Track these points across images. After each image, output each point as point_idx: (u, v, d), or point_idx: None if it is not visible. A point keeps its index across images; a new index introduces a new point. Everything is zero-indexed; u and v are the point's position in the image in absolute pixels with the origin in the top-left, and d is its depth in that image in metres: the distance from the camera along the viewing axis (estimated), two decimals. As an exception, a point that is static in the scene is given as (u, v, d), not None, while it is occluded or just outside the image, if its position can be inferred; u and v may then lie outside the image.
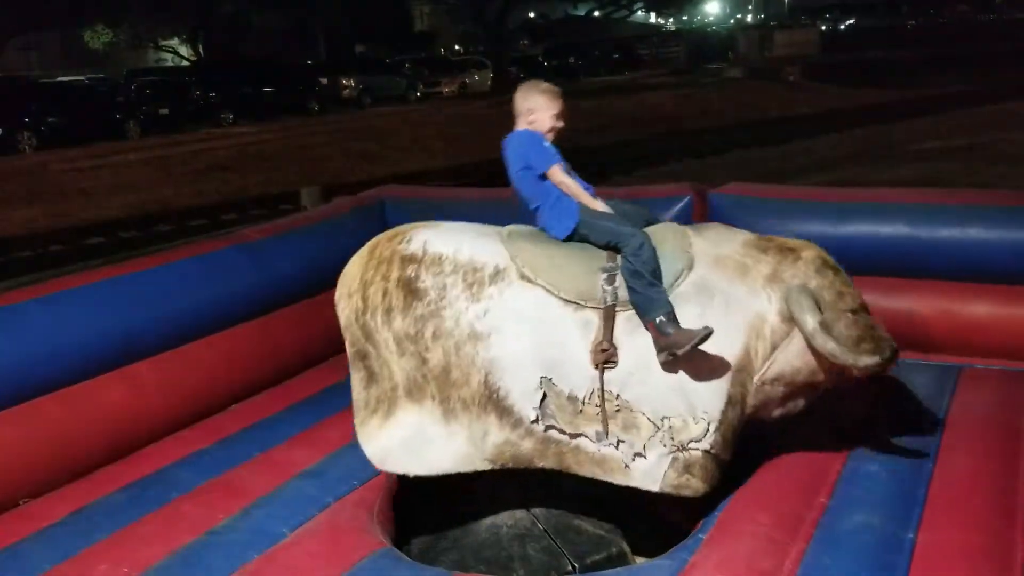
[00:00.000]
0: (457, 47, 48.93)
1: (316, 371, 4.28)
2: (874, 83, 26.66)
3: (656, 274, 2.85)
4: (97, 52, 38.67)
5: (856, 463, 3.05)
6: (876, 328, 2.94)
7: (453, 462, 2.99)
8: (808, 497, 2.89)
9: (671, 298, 2.83)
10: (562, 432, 2.88)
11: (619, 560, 3.00)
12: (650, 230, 3.01)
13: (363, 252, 3.20)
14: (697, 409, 2.82)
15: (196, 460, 3.41)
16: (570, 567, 2.98)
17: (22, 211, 13.55)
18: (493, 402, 2.91)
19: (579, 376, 2.86)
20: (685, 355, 2.75)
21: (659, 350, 2.79)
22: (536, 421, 2.88)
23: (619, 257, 2.93)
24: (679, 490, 2.84)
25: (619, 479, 2.88)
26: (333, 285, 3.28)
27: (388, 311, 3.02)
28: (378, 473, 3.25)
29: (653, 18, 59.96)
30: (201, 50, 37.94)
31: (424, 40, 47.62)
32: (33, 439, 3.26)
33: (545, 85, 3.22)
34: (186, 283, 3.90)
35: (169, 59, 40.26)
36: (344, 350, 3.24)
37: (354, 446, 3.44)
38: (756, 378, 2.88)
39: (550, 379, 2.87)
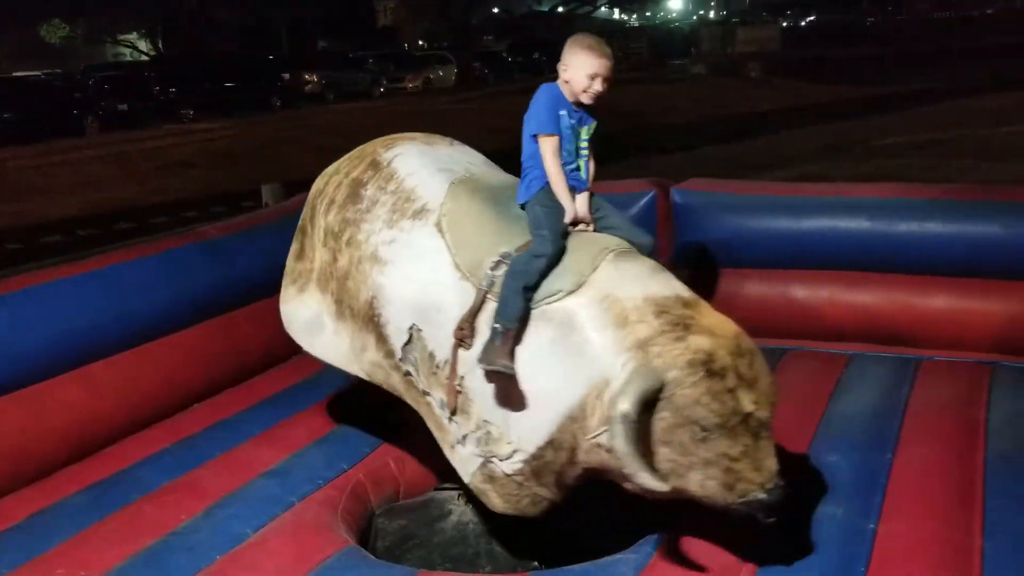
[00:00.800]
0: (421, 43, 48.73)
1: (279, 370, 4.24)
2: (835, 79, 26.92)
3: (530, 289, 2.63)
4: (54, 47, 38.07)
5: (817, 454, 3.08)
6: (745, 462, 2.37)
7: (337, 357, 3.18)
8: (771, 490, 2.91)
9: (539, 312, 2.62)
10: (418, 383, 2.92)
11: (585, 556, 3.00)
12: (572, 238, 2.75)
13: (359, 147, 3.29)
14: (511, 432, 2.69)
15: (157, 460, 3.37)
16: (535, 563, 2.98)
17: (-22, 209, 13.32)
18: (374, 324, 2.99)
19: (443, 341, 2.80)
20: (489, 373, 2.63)
21: (482, 349, 2.67)
22: (402, 360, 2.94)
23: None
24: (480, 495, 2.83)
25: (447, 453, 2.90)
26: (295, 282, 3.29)
27: (331, 203, 3.16)
28: (342, 472, 3.24)
29: (616, 14, 60.17)
30: (161, 45, 37.51)
31: (388, 35, 47.42)
32: (-11, 441, 3.20)
33: (591, 40, 2.83)
34: (145, 281, 3.85)
35: (128, 54, 39.74)
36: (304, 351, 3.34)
37: (318, 445, 3.43)
38: (589, 437, 2.52)
39: (420, 331, 2.86)
